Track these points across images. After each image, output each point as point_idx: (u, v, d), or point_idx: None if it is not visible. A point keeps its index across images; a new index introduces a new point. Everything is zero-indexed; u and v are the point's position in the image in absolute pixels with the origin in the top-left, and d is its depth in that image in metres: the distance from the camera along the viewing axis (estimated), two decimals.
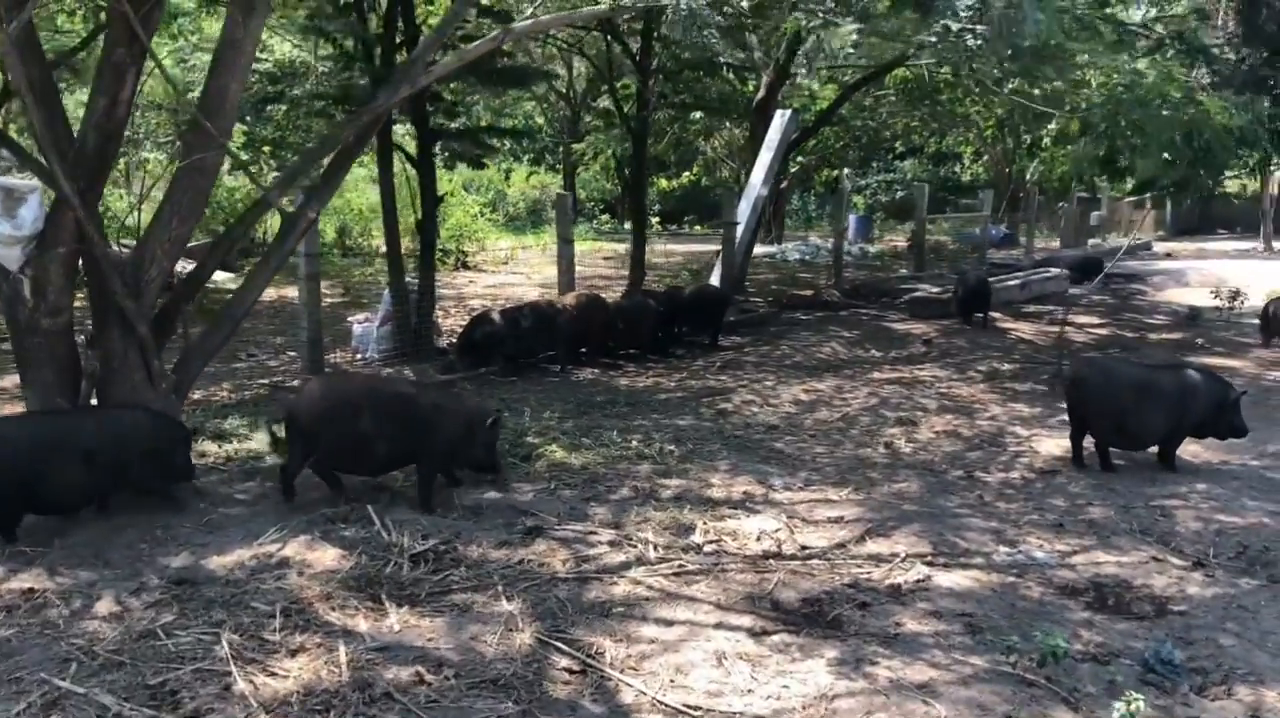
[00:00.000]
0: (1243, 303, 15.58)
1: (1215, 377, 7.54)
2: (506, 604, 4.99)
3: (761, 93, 16.65)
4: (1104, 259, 22.69)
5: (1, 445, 5.61)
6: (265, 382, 9.97)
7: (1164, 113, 7.81)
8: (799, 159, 22.75)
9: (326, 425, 6.16)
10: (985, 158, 37.88)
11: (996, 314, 15.38)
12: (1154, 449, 7.47)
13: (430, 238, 11.00)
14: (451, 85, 10.99)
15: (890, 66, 15.64)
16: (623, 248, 24.41)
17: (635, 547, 5.76)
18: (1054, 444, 8.05)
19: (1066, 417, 7.71)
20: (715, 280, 15.33)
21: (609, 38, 14.54)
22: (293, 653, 4.45)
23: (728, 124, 22.87)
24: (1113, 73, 8.87)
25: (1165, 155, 8.31)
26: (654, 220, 35.82)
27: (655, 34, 14.27)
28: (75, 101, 15.59)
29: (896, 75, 16.66)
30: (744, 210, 15.45)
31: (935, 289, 16.24)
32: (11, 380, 9.54)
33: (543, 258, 23.33)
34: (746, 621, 4.88)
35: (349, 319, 11.85)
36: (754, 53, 16.94)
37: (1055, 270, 19.24)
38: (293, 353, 11.49)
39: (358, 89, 9.45)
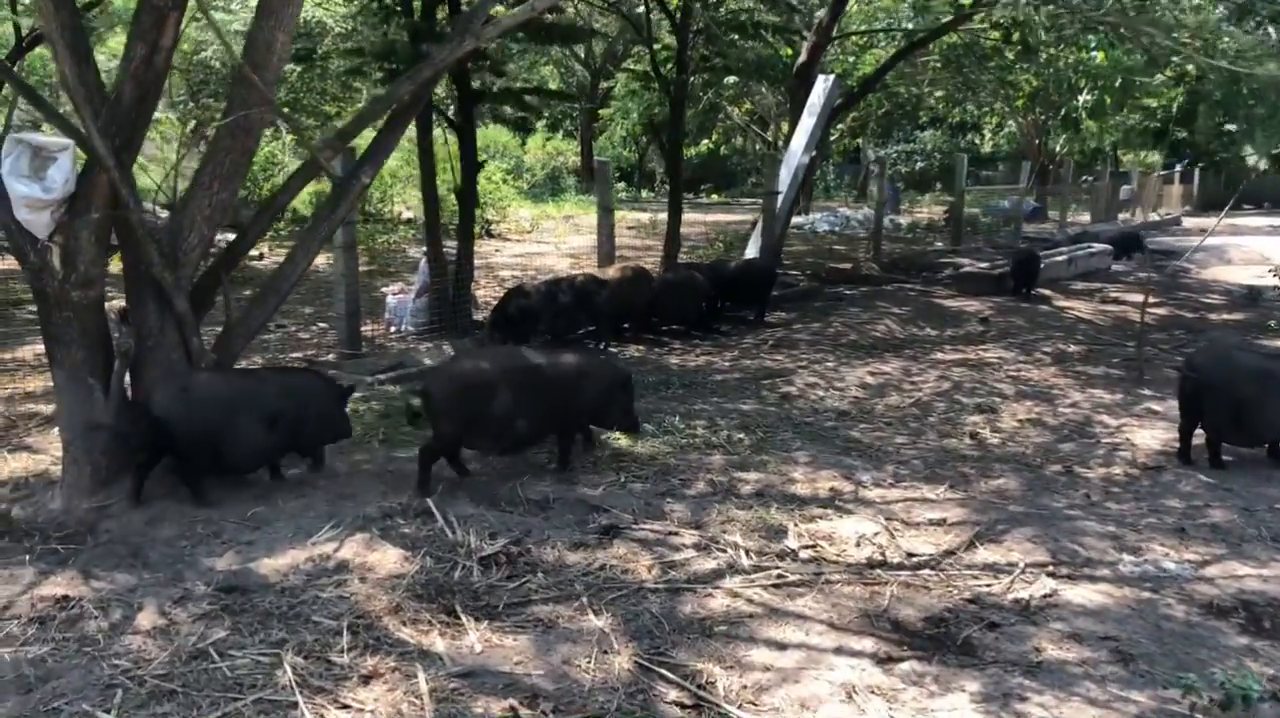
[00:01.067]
0: None
1: None
2: (596, 620, 4.46)
3: (803, 57, 15.95)
4: (1141, 234, 22.14)
5: (197, 404, 5.50)
6: (299, 355, 9.43)
7: None
8: (839, 127, 21.97)
9: (468, 405, 5.89)
10: (1007, 129, 37.11)
11: (1046, 291, 14.84)
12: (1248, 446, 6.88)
13: (470, 206, 10.40)
14: (494, 42, 10.33)
15: (943, 30, 14.94)
16: (645, 216, 23.85)
17: (725, 551, 5.22)
18: (1149, 436, 7.50)
19: (1176, 407, 7.11)
20: (752, 252, 14.74)
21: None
22: (365, 680, 3.92)
23: (764, 89, 22.13)
24: (1214, 38, 8.26)
25: None
26: (668, 188, 35.27)
27: None
28: (107, 52, 14.99)
29: (943, 41, 15.94)
30: (784, 179, 14.81)
31: (983, 264, 15.64)
32: (31, 350, 9.02)
33: (566, 227, 22.79)
34: (868, 644, 4.34)
35: (382, 289, 11.27)
36: (795, 14, 16.22)
37: (1099, 246, 18.59)
38: (323, 324, 10.96)
39: (403, 46, 8.81)
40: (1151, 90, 14.78)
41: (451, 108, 10.60)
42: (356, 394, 7.85)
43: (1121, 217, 29.04)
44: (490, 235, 19.76)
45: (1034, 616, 4.64)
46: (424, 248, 17.11)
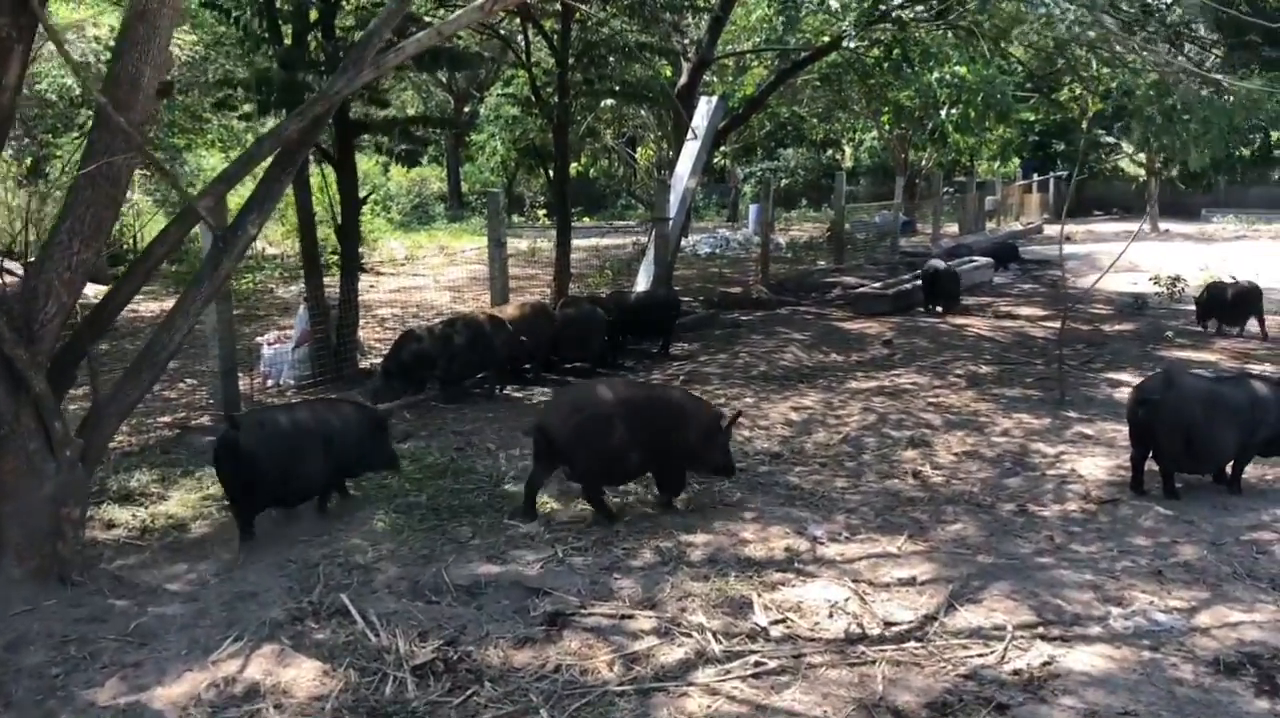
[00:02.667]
0: (1183, 289, 15.27)
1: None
2: None
3: (684, 79, 15.59)
4: (1017, 245, 22.54)
5: (276, 438, 5.67)
6: (167, 419, 8.50)
7: (1215, 100, 7.12)
8: (722, 149, 21.73)
9: (582, 440, 5.85)
10: (867, 144, 37.68)
11: (938, 308, 14.78)
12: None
13: (353, 245, 9.62)
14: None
15: (828, 49, 14.78)
16: (522, 243, 23.21)
17: (690, 636, 4.65)
18: (1092, 464, 7.26)
19: (1107, 433, 6.88)
20: (643, 280, 14.28)
21: (525, 22, 13.28)
22: None
23: (643, 111, 21.75)
24: (1129, 59, 8.18)
25: (1226, 140, 7.61)
26: (540, 213, 34.66)
27: (575, 16, 13.08)
28: None
29: (825, 60, 15.81)
30: (673, 204, 14.39)
31: (875, 284, 15.51)
32: None
33: (441, 258, 21.93)
34: None
35: (256, 339, 10.36)
36: (675, 35, 15.88)
37: (980, 259, 18.74)
38: (192, 379, 9.99)
39: (278, 75, 8.04)
40: (1029, 105, 14.95)
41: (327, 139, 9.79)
42: None
43: (988, 226, 29.65)
44: (363, 270, 18.76)
45: (1040, 690, 4.21)
46: (293, 287, 16.23)
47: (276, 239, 20.39)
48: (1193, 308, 13.79)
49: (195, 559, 5.50)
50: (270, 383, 9.84)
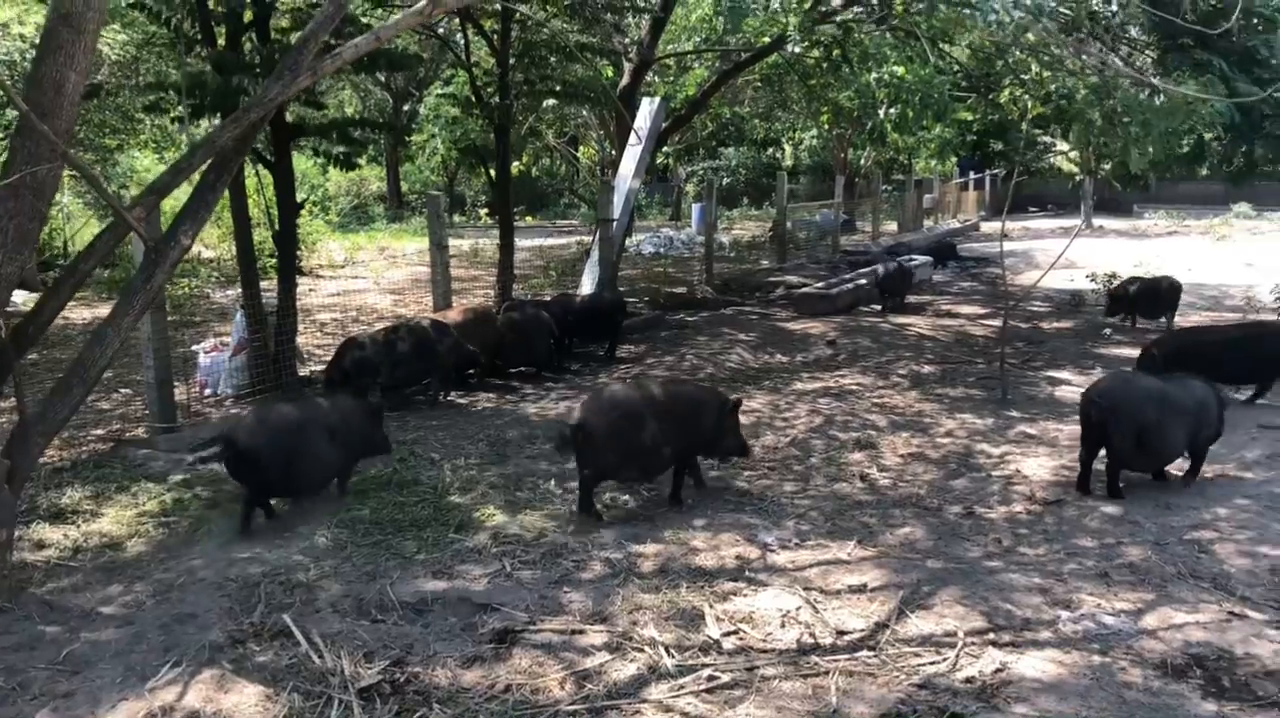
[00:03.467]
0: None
1: (1214, 385, 6.95)
2: None
3: (626, 80, 15.53)
4: (955, 243, 22.81)
5: (274, 430, 6.01)
6: (101, 432, 8.26)
7: (1156, 101, 7.22)
8: (665, 150, 21.70)
9: (619, 436, 6.05)
10: (807, 143, 37.86)
11: (879, 307, 14.89)
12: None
13: (290, 251, 9.42)
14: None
15: (769, 50, 14.79)
16: (464, 244, 23.04)
17: (642, 650, 4.59)
18: (1036, 465, 7.31)
19: (1048, 437, 6.95)
20: (588, 281, 14.20)
21: (465, 23, 13.12)
22: None
23: (584, 111, 21.64)
24: (1069, 62, 8.26)
25: (1168, 142, 7.72)
26: (481, 213, 34.39)
27: (514, 17, 12.96)
28: None
29: (767, 61, 15.82)
30: (618, 205, 14.33)
31: (819, 284, 15.57)
32: None
33: (381, 259, 21.67)
34: None
35: (192, 347, 10.10)
36: (617, 35, 15.81)
37: (920, 258, 18.90)
38: (126, 390, 9.73)
39: (212, 78, 7.81)
40: (967, 105, 15.12)
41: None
42: (176, 478, 6.93)
43: (926, 224, 29.96)
44: (301, 273, 18.45)
45: (993, 698, 4.20)
46: (229, 292, 15.90)
47: (213, 242, 19.97)
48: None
49: (130, 580, 5.33)
50: (208, 392, 9.61)
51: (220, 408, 9.10)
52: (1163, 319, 12.75)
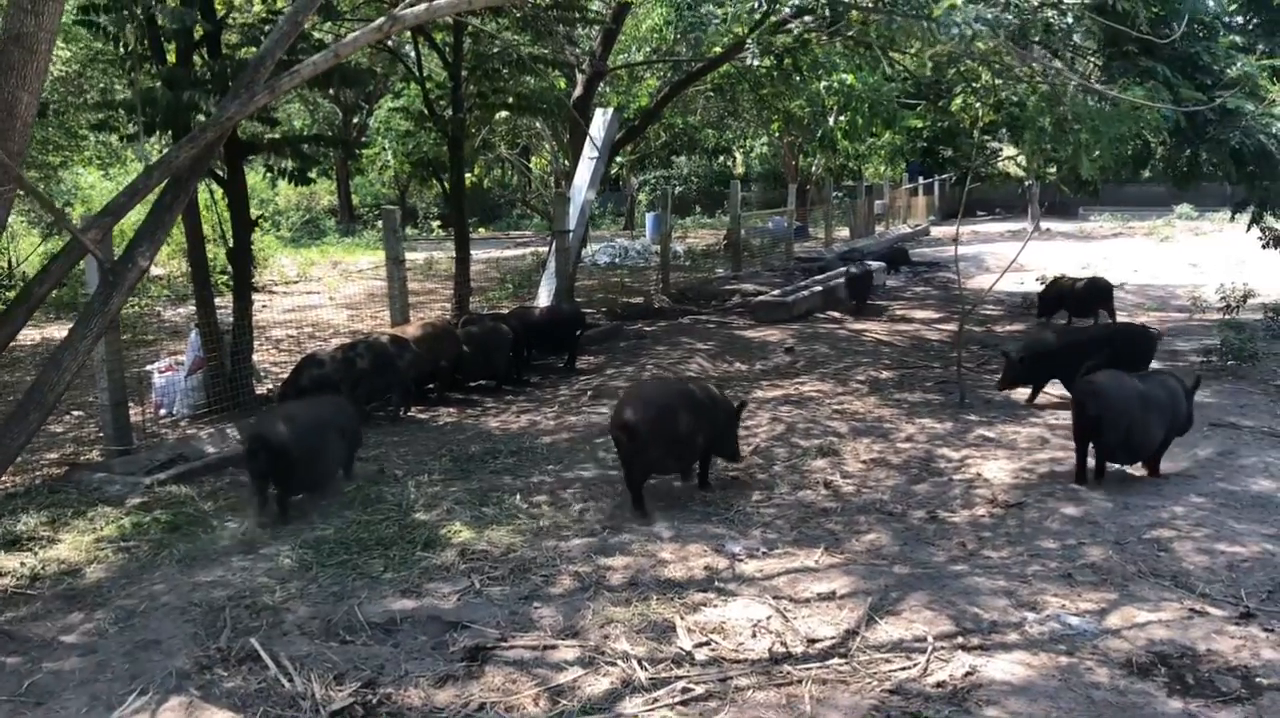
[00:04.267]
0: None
1: (1181, 380, 7.19)
2: None
3: (578, 90, 15.54)
4: (907, 248, 23.03)
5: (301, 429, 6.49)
6: (55, 455, 8.11)
7: (1103, 109, 7.36)
8: (618, 160, 21.72)
9: (660, 430, 6.34)
10: (758, 151, 38.10)
11: (836, 314, 15.03)
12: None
13: (245, 268, 9.31)
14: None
15: (720, 61, 14.88)
16: (418, 256, 22.89)
17: (615, 664, 4.58)
18: (997, 468, 7.41)
19: (1022, 437, 7.09)
20: (544, 293, 14.19)
21: (417, 35, 13.08)
22: None
23: (537, 123, 21.62)
24: (1019, 70, 8.40)
25: (1116, 148, 7.86)
26: (434, 225, 34.24)
27: (466, 29, 12.94)
28: None
29: (718, 71, 15.91)
30: (573, 217, 14.31)
31: (775, 292, 15.65)
32: None
33: (334, 274, 21.48)
34: None
35: (147, 367, 9.94)
36: (568, 47, 15.82)
37: (876, 264, 19.05)
38: (79, 412, 9.56)
39: (163, 95, 7.70)
40: (916, 113, 15.30)
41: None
42: (135, 502, 6.84)
43: (877, 230, 30.24)
44: (254, 290, 18.25)
45: (964, 702, 4.25)
46: (181, 309, 15.68)
47: (162, 259, 19.68)
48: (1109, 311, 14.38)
49: (92, 607, 5.23)
50: (164, 413, 9.47)
51: (176, 429, 8.97)
52: (1103, 315, 13.09)
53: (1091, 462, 6.97)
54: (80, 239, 4.57)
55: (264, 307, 16.25)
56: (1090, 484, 6.90)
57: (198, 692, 4.35)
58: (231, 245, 9.15)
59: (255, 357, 11.24)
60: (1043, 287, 14.08)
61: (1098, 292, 13.22)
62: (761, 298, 15.22)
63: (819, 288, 16.05)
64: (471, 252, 14.58)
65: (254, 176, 26.90)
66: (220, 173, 9.22)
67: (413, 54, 14.08)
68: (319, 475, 6.76)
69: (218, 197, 9.34)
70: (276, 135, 10.04)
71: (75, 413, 9.55)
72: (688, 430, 6.50)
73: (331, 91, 32.60)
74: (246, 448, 6.49)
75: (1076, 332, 11.01)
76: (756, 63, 13.22)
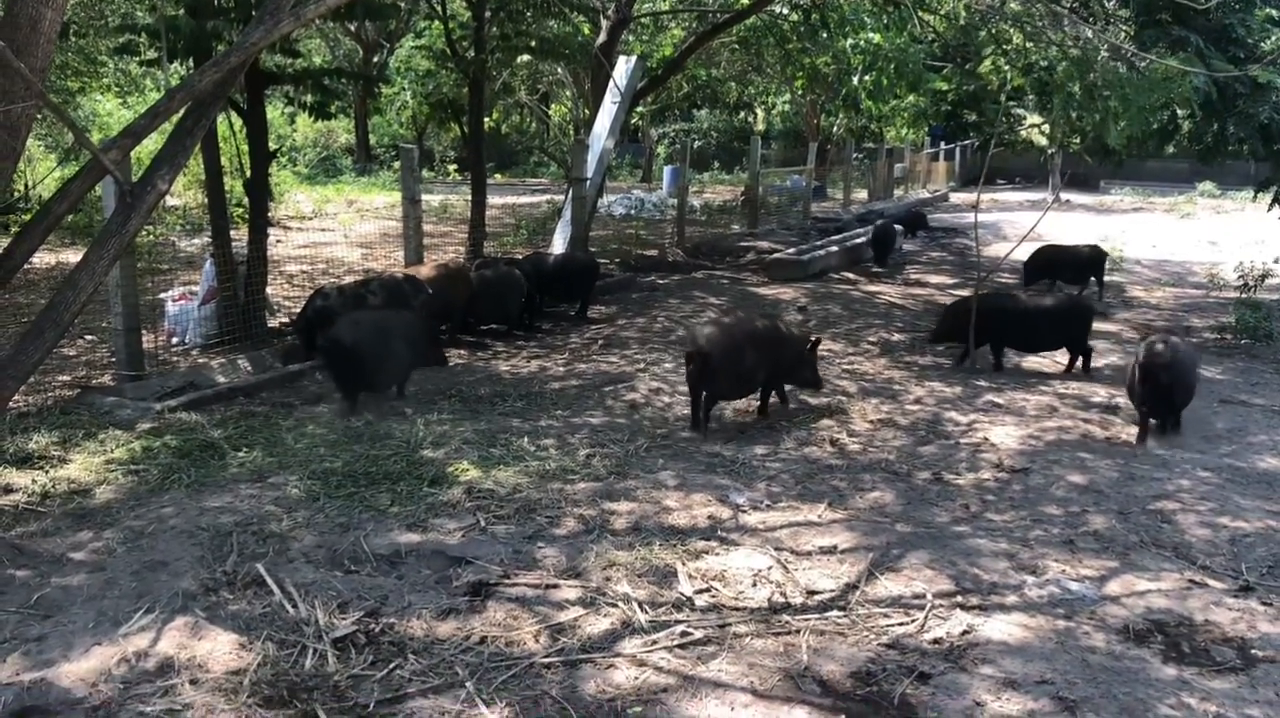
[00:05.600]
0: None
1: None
2: (489, 713, 3.79)
3: (602, 37, 15.37)
4: (925, 213, 22.88)
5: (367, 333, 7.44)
6: (67, 378, 8.17)
7: (1133, 77, 7.27)
8: (639, 110, 21.55)
9: (728, 360, 6.99)
10: (780, 108, 37.80)
11: (851, 275, 14.99)
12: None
13: (262, 200, 9.31)
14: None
15: (747, 13, 14.71)
16: (434, 199, 22.84)
17: (615, 606, 4.62)
18: (1004, 434, 7.41)
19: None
20: (559, 241, 14.16)
21: None
22: None
23: (559, 68, 21.43)
24: (1052, 33, 8.29)
25: (1145, 117, 7.78)
26: (450, 169, 34.11)
27: None
28: None
29: (744, 23, 15.74)
30: (591, 165, 14.24)
31: (790, 250, 15.60)
32: None
33: (350, 212, 21.44)
34: (801, 714, 3.86)
35: (160, 295, 9.97)
36: None
37: (895, 227, 18.95)
38: (91, 337, 9.61)
39: (185, 22, 7.65)
40: (942, 75, 15.15)
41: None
42: (145, 427, 6.88)
43: (896, 193, 30.05)
44: (270, 224, 18.24)
45: (961, 660, 4.28)
46: (196, 240, 15.68)
47: (179, 190, 19.64)
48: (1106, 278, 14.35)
49: (100, 527, 5.29)
50: (175, 341, 9.53)
51: (188, 357, 9.01)
52: (1093, 285, 13.22)
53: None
54: (100, 158, 4.56)
55: (278, 241, 16.26)
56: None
57: (203, 613, 4.41)
58: (249, 177, 9.13)
59: (269, 290, 11.26)
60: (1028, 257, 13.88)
61: (1088, 260, 13.28)
62: (776, 256, 15.18)
63: (835, 248, 16.00)
64: (491, 198, 14.54)
65: (272, 111, 26.80)
66: (241, 104, 9.18)
67: None
68: (384, 377, 7.64)
69: (237, 128, 9.29)
70: (299, 68, 9.94)
71: (89, 337, 9.60)
72: (751, 364, 7.16)
73: (354, 27, 32.40)
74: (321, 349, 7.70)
75: (1028, 299, 10.89)
76: (785, 12, 13.03)
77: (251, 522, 5.37)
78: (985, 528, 5.71)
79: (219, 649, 4.15)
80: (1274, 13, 9.48)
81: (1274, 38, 8.66)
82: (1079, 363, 9.27)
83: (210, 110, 5.06)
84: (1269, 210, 12.39)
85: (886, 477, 6.49)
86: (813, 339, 7.85)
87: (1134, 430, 7.50)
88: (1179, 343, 7.45)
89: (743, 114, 41.47)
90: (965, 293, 10.62)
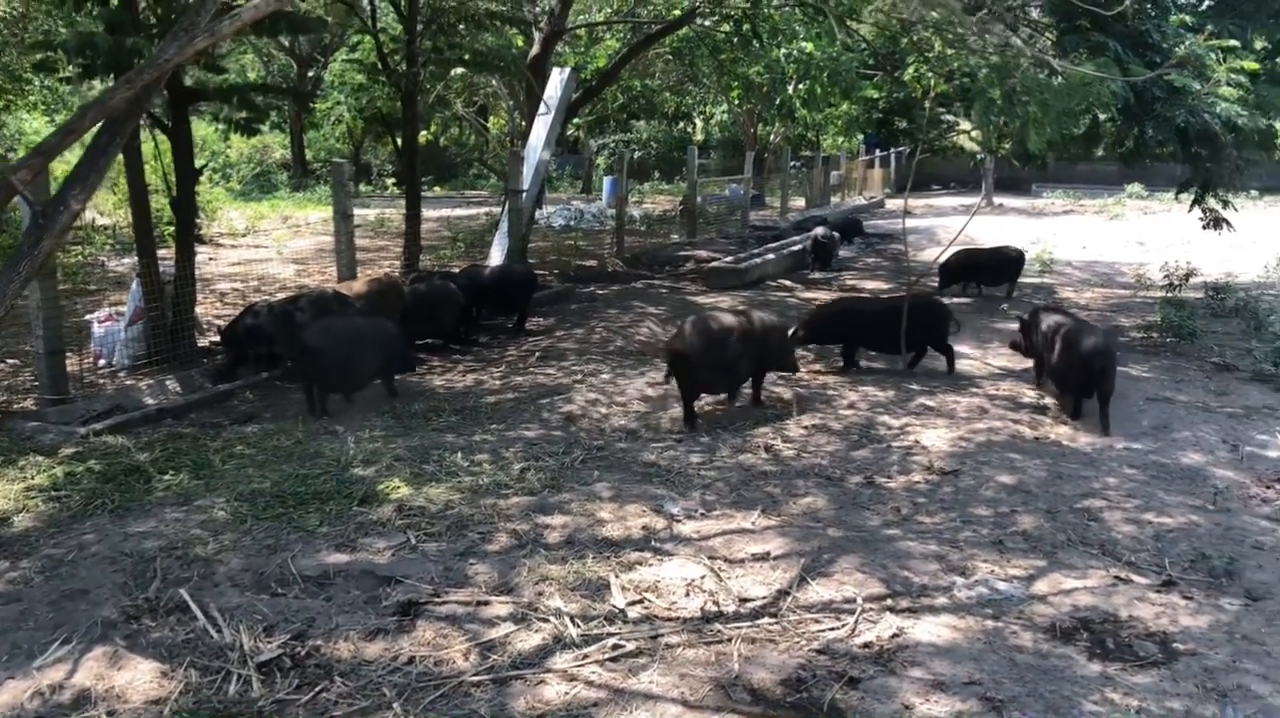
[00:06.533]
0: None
1: None
2: None
3: (536, 49, 15.37)
4: (861, 220, 23.10)
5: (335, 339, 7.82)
6: None
7: (1055, 82, 7.40)
8: (575, 121, 21.54)
9: (706, 359, 7.50)
10: (718, 117, 37.98)
11: (788, 282, 15.10)
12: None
13: (188, 218, 9.15)
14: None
15: (679, 24, 14.77)
16: (370, 213, 22.67)
17: (547, 621, 4.60)
18: (935, 437, 7.49)
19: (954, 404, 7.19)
20: (497, 253, 14.10)
21: None
22: None
23: (494, 81, 21.35)
24: (971, 40, 8.42)
25: (1063, 122, 7.92)
26: (389, 182, 33.83)
27: None
28: None
29: (677, 34, 15.82)
30: (527, 176, 14.21)
31: (728, 259, 15.68)
32: None
33: (284, 229, 21.18)
34: None
35: (86, 316, 9.75)
36: (526, 4, 15.63)
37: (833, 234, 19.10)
38: (13, 360, 9.38)
39: (103, 39, 7.49)
40: (873, 83, 15.35)
41: (159, 106, 9.29)
42: (68, 452, 6.73)
43: (833, 200, 30.31)
44: (201, 242, 17.95)
45: (890, 663, 4.31)
46: (126, 260, 15.37)
47: (108, 209, 19.29)
48: (1033, 282, 14.62)
49: (17, 556, 5.15)
50: (102, 363, 9.32)
51: (115, 380, 8.83)
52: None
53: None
54: (9, 179, 4.45)
55: (211, 259, 16.06)
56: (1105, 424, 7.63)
57: (123, 642, 4.31)
58: (175, 195, 8.97)
59: (199, 309, 11.07)
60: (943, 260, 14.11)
61: (1005, 261, 13.57)
62: (714, 264, 15.24)
63: (772, 256, 16.10)
64: (425, 210, 14.46)
65: (206, 128, 26.49)
66: (165, 121, 9.02)
67: (368, 4, 13.83)
68: (350, 380, 8.00)
69: (164, 148, 9.13)
70: (224, 83, 9.80)
71: (10, 361, 9.36)
72: (734, 356, 7.66)
73: (286, 42, 32.10)
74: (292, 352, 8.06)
75: (872, 301, 11.02)
76: (708, 22, 13.12)
77: (176, 546, 5.27)
78: (916, 530, 5.76)
79: (139, 679, 4.07)
80: (1188, 19, 9.73)
81: (1187, 42, 8.87)
82: (943, 363, 9.51)
83: (125, 127, 4.97)
84: (1189, 211, 12.67)
85: (820, 482, 6.53)
86: (793, 328, 8.71)
87: (1063, 429, 7.64)
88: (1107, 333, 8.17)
89: (681, 124, 41.60)
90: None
